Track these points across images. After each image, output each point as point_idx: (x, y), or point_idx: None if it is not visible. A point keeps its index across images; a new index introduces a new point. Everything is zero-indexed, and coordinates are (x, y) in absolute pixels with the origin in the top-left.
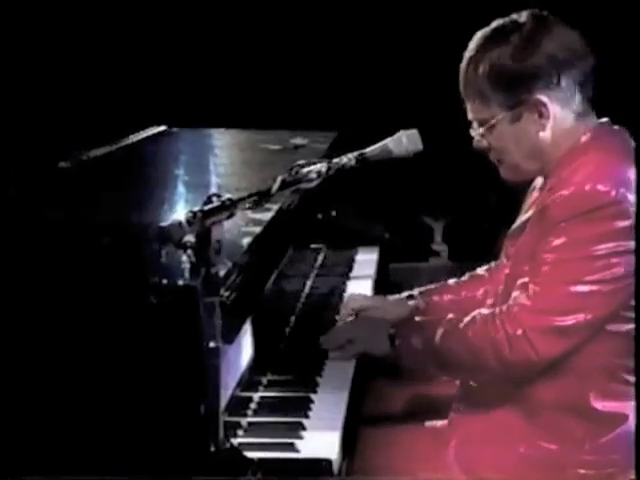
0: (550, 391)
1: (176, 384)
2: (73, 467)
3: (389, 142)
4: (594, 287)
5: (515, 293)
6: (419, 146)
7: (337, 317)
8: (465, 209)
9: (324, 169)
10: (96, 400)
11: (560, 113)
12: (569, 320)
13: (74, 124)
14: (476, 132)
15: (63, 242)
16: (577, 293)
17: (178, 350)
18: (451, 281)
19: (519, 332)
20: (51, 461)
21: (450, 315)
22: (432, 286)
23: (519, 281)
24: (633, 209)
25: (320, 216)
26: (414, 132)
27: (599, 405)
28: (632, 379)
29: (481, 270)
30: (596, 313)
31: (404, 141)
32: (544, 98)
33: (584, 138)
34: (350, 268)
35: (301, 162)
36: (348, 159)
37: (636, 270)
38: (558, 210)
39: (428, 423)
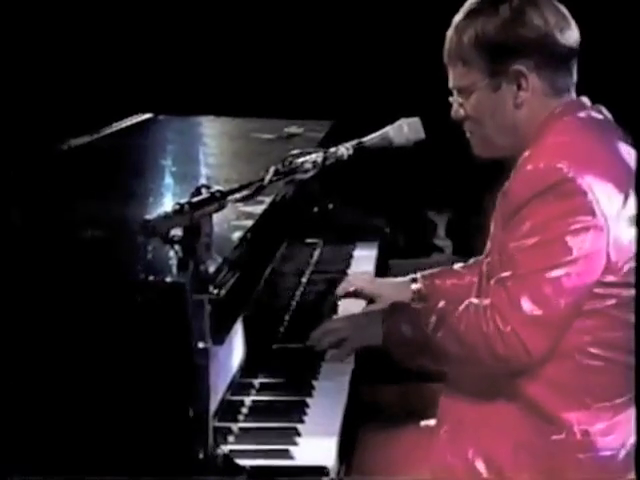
0: (538, 377)
1: (163, 387)
2: (55, 472)
3: (389, 130)
4: (568, 269)
5: (494, 288)
6: (421, 134)
7: (336, 291)
8: (470, 202)
9: (320, 159)
10: (78, 405)
11: (539, 87)
12: (551, 309)
13: (53, 112)
14: (455, 100)
15: (41, 238)
16: (552, 279)
17: (165, 351)
18: (456, 266)
19: (508, 328)
20: (32, 466)
21: (442, 303)
22: (435, 270)
23: (495, 275)
24: (590, 187)
25: (316, 209)
26: (416, 120)
27: (587, 386)
28: (619, 357)
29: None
30: (575, 295)
31: (405, 129)
32: (524, 70)
33: (558, 109)
34: (348, 264)
35: (295, 152)
36: (346, 149)
37: (636, 270)
38: (516, 195)
39: (423, 423)
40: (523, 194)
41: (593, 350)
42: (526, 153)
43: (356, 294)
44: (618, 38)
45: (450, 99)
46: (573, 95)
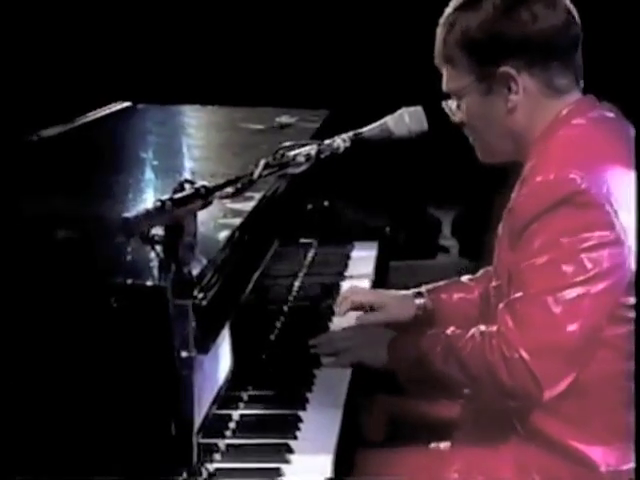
0: (555, 415)
1: (143, 400)
2: None
3: (389, 121)
4: (581, 289)
5: (501, 312)
6: (424, 125)
7: (334, 308)
8: (478, 197)
9: (314, 152)
10: (49, 420)
11: (533, 88)
12: (564, 334)
13: (21, 100)
14: (449, 104)
15: (8, 237)
16: (565, 301)
17: (145, 361)
18: (463, 278)
19: (515, 356)
20: None
21: (450, 329)
22: (441, 283)
23: (504, 299)
24: (607, 197)
25: (310, 206)
26: (418, 109)
27: (611, 423)
28: None
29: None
30: (591, 318)
31: (406, 120)
32: (512, 71)
33: (564, 112)
34: (345, 266)
35: (288, 144)
36: (342, 140)
37: (637, 270)
38: (524, 210)
39: (433, 445)
40: (532, 209)
41: (618, 382)
42: (531, 162)
43: (356, 308)
44: (616, 33)
45: (443, 104)
46: (578, 93)
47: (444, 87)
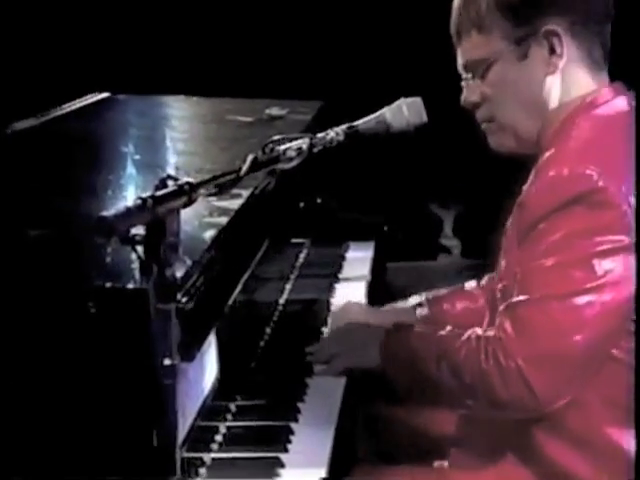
0: (556, 435)
1: (123, 412)
2: None
3: (386, 112)
4: (592, 297)
5: (501, 316)
6: (423, 118)
7: (324, 330)
8: (482, 195)
9: (306, 146)
10: (24, 431)
11: (575, 55)
12: (567, 344)
13: None
14: (468, 81)
15: None
16: (571, 307)
17: (125, 369)
18: (467, 285)
19: (511, 364)
20: None
21: (447, 329)
22: (443, 291)
23: (506, 302)
24: (625, 197)
25: (302, 204)
26: (416, 100)
27: (613, 442)
28: None
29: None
30: (598, 329)
31: (405, 111)
32: (558, 29)
33: (588, 99)
34: (339, 268)
35: (278, 137)
36: (336, 134)
37: (637, 270)
38: (535, 206)
39: (437, 463)
40: (543, 205)
41: (624, 401)
42: (549, 152)
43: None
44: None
45: (462, 83)
46: (606, 76)
47: (463, 60)
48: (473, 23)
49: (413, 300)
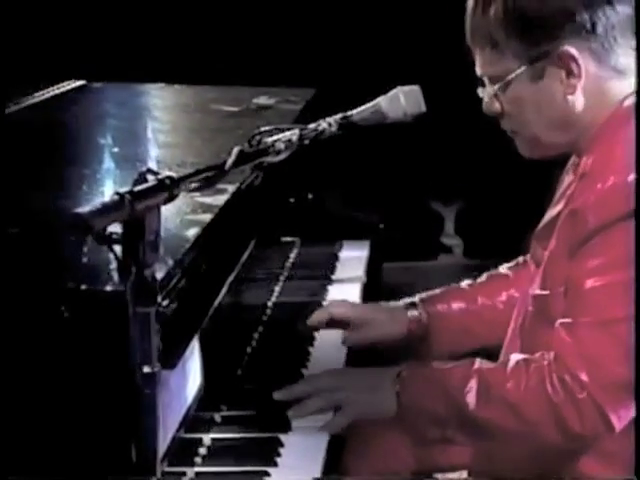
0: (596, 454)
1: (99, 423)
2: None
3: (382, 102)
4: None
5: (560, 336)
6: (421, 107)
7: (308, 320)
8: (485, 191)
9: (296, 138)
10: None
11: (595, 69)
12: (632, 369)
13: None
14: (486, 92)
15: None
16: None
17: (101, 377)
18: (464, 284)
19: (584, 395)
20: None
21: (477, 363)
22: (437, 291)
23: (561, 319)
24: None
25: (292, 200)
26: (414, 89)
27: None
28: None
29: (504, 269)
30: None
31: (402, 101)
32: (573, 50)
33: (627, 102)
34: (332, 268)
35: (266, 128)
36: (328, 125)
37: (636, 271)
38: (592, 215)
39: (441, 477)
40: (606, 214)
41: None
42: (592, 156)
43: (335, 323)
44: None
45: (479, 91)
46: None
47: (480, 71)
48: (484, 37)
49: (404, 301)
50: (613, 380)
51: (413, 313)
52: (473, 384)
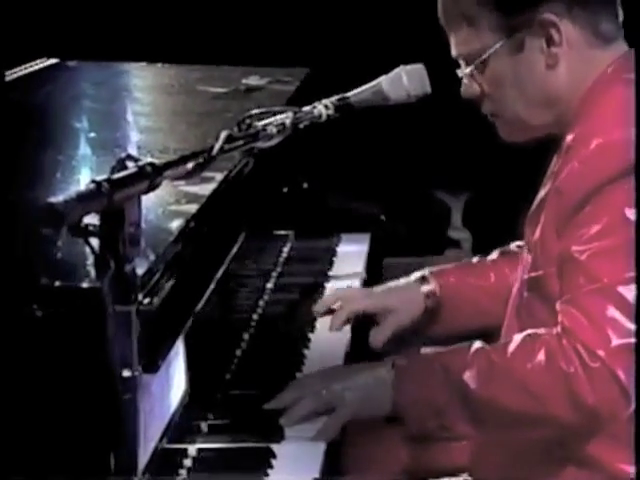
0: (608, 438)
1: (75, 431)
2: None
3: (383, 82)
4: None
5: (563, 310)
6: (426, 88)
7: (315, 313)
8: (495, 180)
9: (289, 121)
10: None
11: (578, 37)
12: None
13: None
14: (464, 73)
15: None
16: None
17: (77, 382)
18: (475, 259)
19: (597, 364)
20: None
21: (477, 344)
22: (448, 265)
23: (562, 298)
24: None
25: (285, 189)
26: (418, 68)
27: None
28: None
29: (515, 246)
30: None
31: (405, 80)
32: (553, 17)
33: (609, 70)
34: (329, 264)
35: (256, 111)
36: (325, 107)
37: (636, 268)
38: (579, 184)
39: None
40: (590, 181)
41: None
42: (576, 129)
43: (348, 319)
44: None
45: (458, 72)
46: (623, 44)
47: (456, 52)
48: (459, 14)
49: (415, 275)
50: (624, 343)
51: (427, 287)
52: (474, 363)
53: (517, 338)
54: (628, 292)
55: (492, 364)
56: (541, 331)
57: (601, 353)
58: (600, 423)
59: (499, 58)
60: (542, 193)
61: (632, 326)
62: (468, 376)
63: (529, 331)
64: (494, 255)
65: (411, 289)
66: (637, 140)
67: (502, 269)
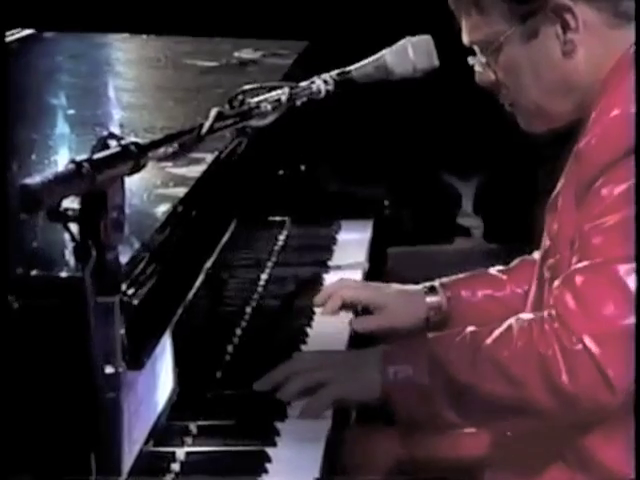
0: (613, 440)
1: (53, 431)
2: None
3: (387, 55)
4: None
5: (558, 290)
6: (433, 61)
7: (315, 305)
8: (509, 164)
9: (286, 97)
10: None
11: (596, 20)
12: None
13: None
14: (477, 60)
15: None
16: None
17: (56, 379)
18: (492, 270)
19: (578, 346)
20: None
21: (470, 328)
22: (461, 276)
23: (564, 273)
24: None
25: (281, 172)
26: (425, 39)
27: None
28: None
29: (538, 254)
30: None
31: (410, 54)
32: (567, 1)
33: (632, 49)
34: (329, 253)
35: (250, 87)
36: (324, 82)
37: (636, 267)
38: (597, 154)
39: None
40: (607, 152)
41: None
42: (600, 104)
43: (344, 305)
44: None
45: (470, 60)
46: None
47: (467, 39)
48: (470, 2)
49: (423, 285)
50: (612, 328)
51: (432, 299)
52: (460, 347)
53: (506, 322)
54: (625, 273)
55: (476, 349)
56: (528, 316)
57: (585, 336)
58: (584, 412)
59: (512, 45)
60: (563, 180)
61: (628, 310)
62: (451, 360)
63: (517, 316)
64: (514, 264)
65: (415, 295)
66: (637, 140)
67: (520, 279)
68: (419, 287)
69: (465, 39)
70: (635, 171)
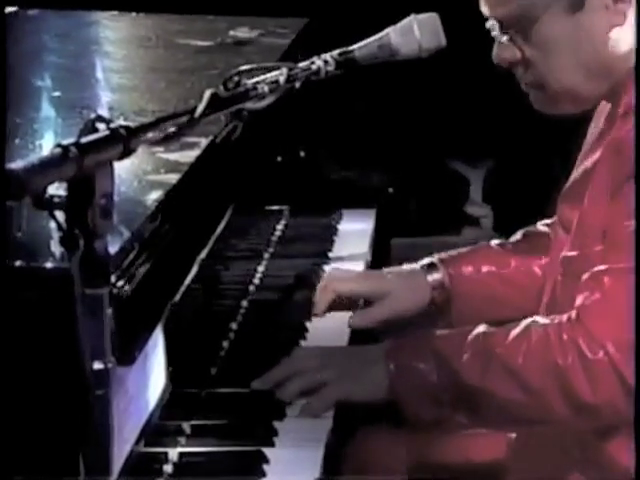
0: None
1: (39, 430)
2: None
3: (391, 34)
4: None
5: (583, 292)
6: (440, 40)
7: (314, 309)
8: (520, 148)
9: (284, 79)
10: None
11: None
12: None
13: None
14: (500, 36)
15: None
16: None
17: (42, 375)
18: (494, 243)
19: (600, 355)
20: None
21: (482, 327)
22: (462, 250)
23: (589, 271)
24: None
25: (280, 158)
26: (432, 17)
27: None
28: None
29: (543, 226)
30: None
31: (416, 32)
32: None
33: None
34: (330, 244)
35: (246, 67)
36: (324, 63)
37: (636, 266)
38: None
39: None
40: None
41: None
42: (632, 91)
43: (342, 304)
44: None
45: (495, 35)
46: None
47: (492, 12)
48: None
49: (422, 262)
50: (630, 338)
51: (434, 277)
52: (471, 350)
53: (521, 325)
54: None
55: (489, 354)
56: (544, 320)
57: (608, 342)
58: (603, 420)
59: (553, 18)
60: (587, 163)
61: None
62: (462, 363)
63: (533, 318)
64: (517, 236)
65: (415, 276)
66: (637, 140)
67: (524, 253)
68: (416, 266)
69: (488, 11)
70: (635, 177)
